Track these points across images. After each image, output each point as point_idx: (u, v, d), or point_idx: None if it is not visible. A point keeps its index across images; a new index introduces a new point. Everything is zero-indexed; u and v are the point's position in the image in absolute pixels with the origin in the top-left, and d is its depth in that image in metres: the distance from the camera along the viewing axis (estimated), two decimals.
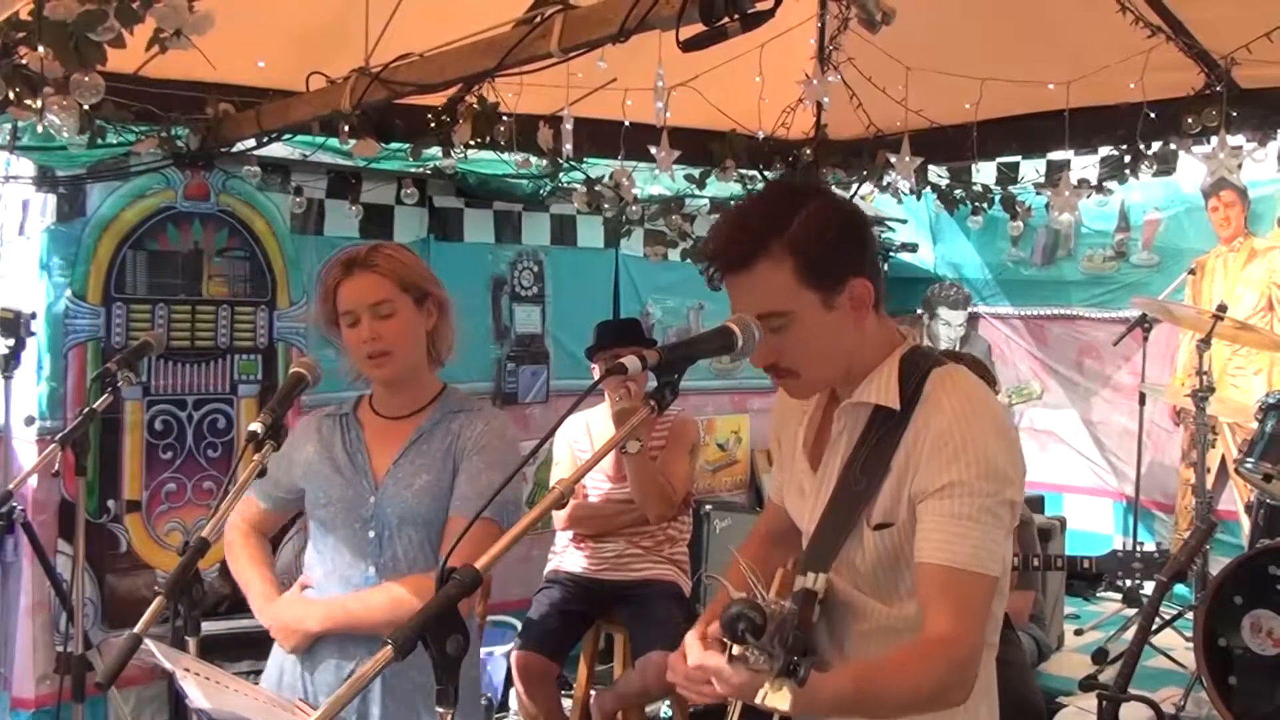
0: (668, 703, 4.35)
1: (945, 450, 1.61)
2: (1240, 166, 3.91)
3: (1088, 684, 4.55)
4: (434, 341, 2.39)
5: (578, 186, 4.77)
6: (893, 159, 4.18)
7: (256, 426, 1.97)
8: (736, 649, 1.37)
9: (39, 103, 2.68)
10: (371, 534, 2.30)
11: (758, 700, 1.37)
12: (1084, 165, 4.39)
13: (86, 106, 2.74)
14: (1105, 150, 4.25)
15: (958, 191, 4.96)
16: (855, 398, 1.73)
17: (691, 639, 1.63)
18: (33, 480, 3.72)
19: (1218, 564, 4.57)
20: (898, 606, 1.70)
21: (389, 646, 1.27)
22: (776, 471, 2.00)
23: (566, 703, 4.15)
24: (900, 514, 1.66)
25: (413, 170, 4.64)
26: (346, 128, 3.65)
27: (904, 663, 1.59)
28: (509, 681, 4.25)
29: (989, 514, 1.60)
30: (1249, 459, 4.30)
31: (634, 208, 4.96)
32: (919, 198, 5.43)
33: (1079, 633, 5.38)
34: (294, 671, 2.33)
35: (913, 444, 1.65)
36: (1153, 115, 3.83)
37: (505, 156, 4.13)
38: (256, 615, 2.39)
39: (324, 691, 2.26)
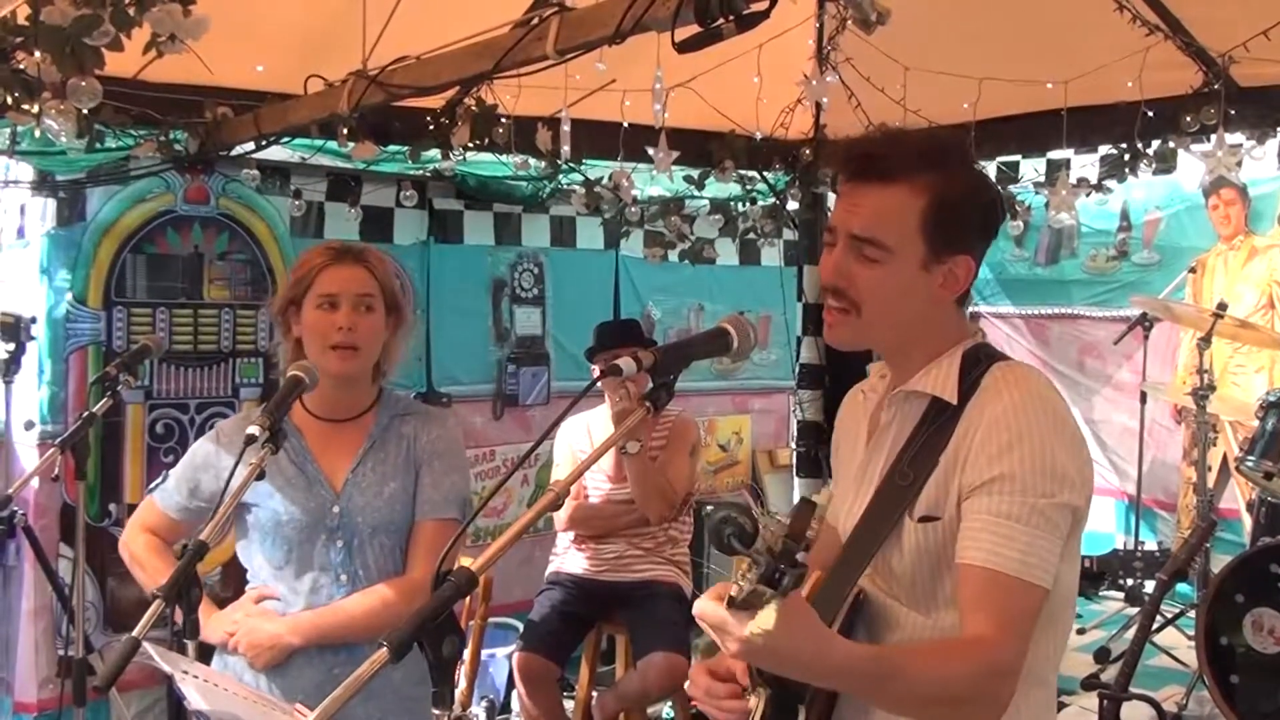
0: (669, 704, 4.34)
1: (998, 440, 1.49)
2: (1240, 164, 3.89)
3: (1089, 683, 4.54)
4: (385, 355, 2.39)
5: (577, 188, 4.78)
6: None
7: (254, 429, 1.97)
8: (734, 589, 1.21)
9: (37, 107, 2.68)
10: (340, 544, 2.28)
11: (747, 631, 1.21)
12: (1083, 164, 4.39)
13: (84, 111, 2.74)
14: (1104, 149, 4.25)
15: None
16: (910, 385, 1.62)
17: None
18: (34, 484, 3.73)
19: (1219, 562, 4.55)
20: (935, 616, 1.56)
21: (384, 649, 1.27)
22: (835, 484, 1.82)
23: (568, 704, 4.14)
24: (947, 509, 1.53)
25: (412, 173, 4.64)
26: (345, 130, 3.64)
27: (939, 653, 1.47)
28: (510, 683, 4.26)
29: (1041, 517, 1.46)
30: (1250, 457, 4.30)
31: (633, 209, 4.97)
32: None
33: (1081, 631, 5.37)
34: (256, 680, 2.25)
35: (963, 435, 1.53)
36: (1151, 114, 3.83)
37: (504, 158, 4.13)
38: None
39: (300, 694, 2.16)
